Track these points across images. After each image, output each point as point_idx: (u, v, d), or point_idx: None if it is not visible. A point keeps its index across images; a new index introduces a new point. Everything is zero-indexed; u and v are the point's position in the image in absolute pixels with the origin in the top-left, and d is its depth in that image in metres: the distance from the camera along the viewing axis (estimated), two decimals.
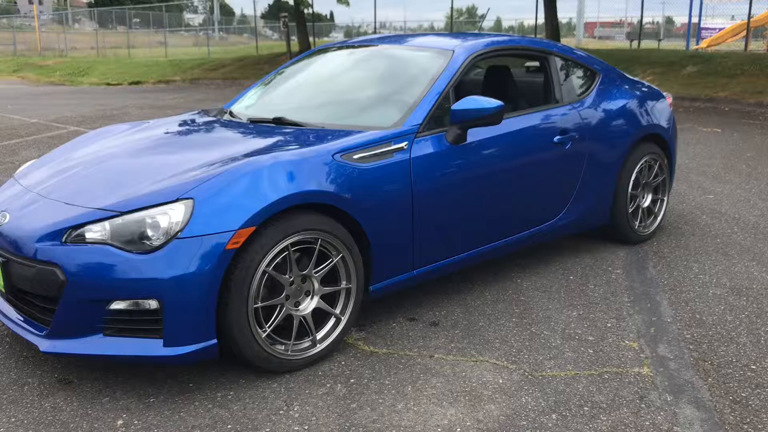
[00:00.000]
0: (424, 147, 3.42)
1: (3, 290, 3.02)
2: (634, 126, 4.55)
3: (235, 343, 2.83)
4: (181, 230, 2.71)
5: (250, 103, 4.31)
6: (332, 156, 3.12)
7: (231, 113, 4.15)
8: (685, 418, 2.64)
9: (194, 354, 2.75)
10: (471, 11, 71.61)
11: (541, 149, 3.99)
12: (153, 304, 2.70)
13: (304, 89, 4.30)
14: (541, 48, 4.39)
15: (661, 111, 4.84)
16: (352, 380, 2.95)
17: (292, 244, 2.91)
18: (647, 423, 2.61)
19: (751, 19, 24.46)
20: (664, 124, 4.82)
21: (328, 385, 2.91)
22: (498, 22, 50.70)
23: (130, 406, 2.76)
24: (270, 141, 3.40)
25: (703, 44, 26.70)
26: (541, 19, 20.07)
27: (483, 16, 26.89)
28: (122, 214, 2.79)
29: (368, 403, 2.77)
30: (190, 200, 2.76)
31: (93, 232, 2.78)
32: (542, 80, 4.34)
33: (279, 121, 3.74)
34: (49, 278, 2.76)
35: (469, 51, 3.88)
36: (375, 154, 3.25)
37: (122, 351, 2.76)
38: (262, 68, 22.17)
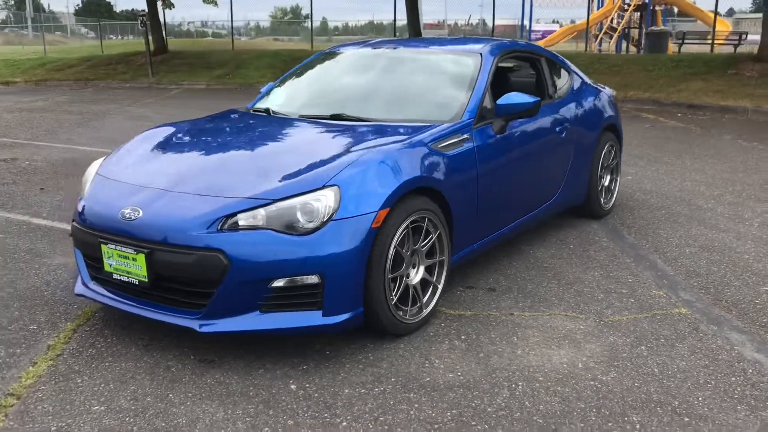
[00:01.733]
0: (481, 137, 3.95)
1: (145, 281, 3.16)
2: (600, 117, 5.37)
3: (374, 312, 3.20)
4: (335, 213, 3.05)
5: (282, 102, 4.61)
6: (427, 146, 3.56)
7: (272, 112, 4.44)
8: (735, 340, 3.39)
9: (347, 321, 3.11)
10: (295, 11, 72.50)
11: (551, 136, 4.66)
12: (314, 278, 3.02)
13: (344, 88, 4.63)
14: (537, 51, 5.07)
15: (612, 104, 5.70)
16: (463, 336, 3.42)
17: (411, 223, 3.34)
18: (714, 346, 3.33)
19: (581, 22, 27.18)
20: (616, 115, 5.69)
21: (447, 342, 3.36)
22: (324, 23, 52.35)
23: (290, 374, 3.05)
24: (362, 135, 3.75)
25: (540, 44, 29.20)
26: (365, 20, 21.05)
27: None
28: (275, 201, 3.07)
29: (492, 352, 3.26)
30: (336, 187, 3.11)
31: (248, 219, 3.04)
32: (534, 78, 5.01)
33: (338, 117, 4.11)
34: (212, 263, 2.98)
35: (493, 53, 4.46)
36: (452, 143, 3.73)
37: (282, 324, 3.05)
38: (115, 68, 21.46)
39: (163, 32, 24.11)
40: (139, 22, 21.71)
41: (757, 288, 4.05)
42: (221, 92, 17.22)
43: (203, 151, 3.78)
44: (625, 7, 28.89)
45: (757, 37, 15.95)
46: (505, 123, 4.11)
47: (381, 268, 3.17)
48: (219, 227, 3.04)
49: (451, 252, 3.72)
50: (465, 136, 3.85)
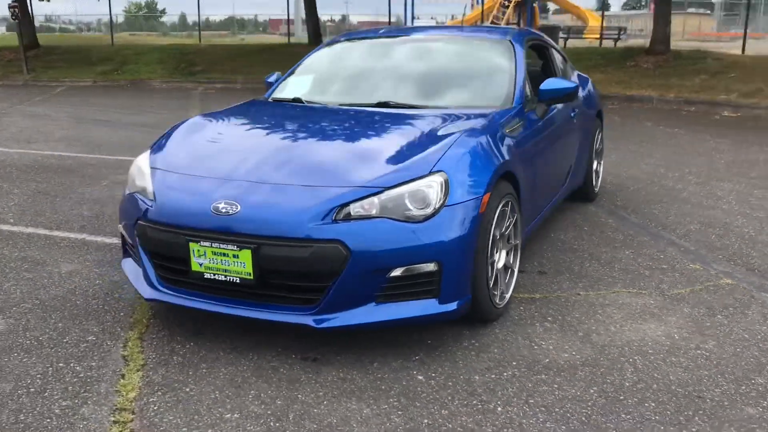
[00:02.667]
0: (529, 121, 4.00)
1: (250, 278, 2.93)
2: (594, 104, 5.60)
3: (476, 298, 3.17)
4: (446, 199, 2.98)
5: (308, 92, 4.42)
6: (503, 130, 3.56)
7: (306, 101, 4.27)
8: None
9: (460, 308, 3.05)
10: (150, 6, 69.82)
11: (570, 121, 4.80)
12: (431, 266, 2.94)
13: (378, 76, 4.47)
14: (546, 41, 5.18)
15: (597, 92, 5.95)
16: (549, 318, 3.46)
17: (501, 207, 3.34)
18: None
19: (464, 18, 27.99)
20: (600, 102, 5.93)
21: (538, 325, 3.39)
22: (182, 17, 51.40)
23: (408, 365, 2.97)
24: (433, 122, 3.68)
25: None
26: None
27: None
28: (386, 189, 2.96)
29: (589, 331, 3.32)
30: (443, 173, 3.04)
31: (362, 208, 2.91)
32: (545, 65, 5.13)
33: (385, 105, 4.03)
34: (332, 255, 2.84)
35: (519, 40, 4.52)
36: (516, 127, 3.75)
37: (400, 314, 2.95)
38: None
39: (34, 25, 22.43)
40: (11, 13, 20.07)
41: None
42: (112, 89, 16.34)
43: (275, 141, 3.59)
44: (506, 3, 30.16)
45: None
46: (547, 107, 4.20)
47: (485, 253, 3.15)
48: (334, 218, 2.90)
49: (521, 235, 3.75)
50: (522, 120, 3.89)
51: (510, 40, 4.48)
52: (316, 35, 19.99)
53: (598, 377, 2.88)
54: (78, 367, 2.94)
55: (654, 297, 3.73)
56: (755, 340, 3.22)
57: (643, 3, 68.27)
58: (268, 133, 3.76)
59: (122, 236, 3.53)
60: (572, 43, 23.89)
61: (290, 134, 3.72)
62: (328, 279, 2.89)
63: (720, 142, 8.75)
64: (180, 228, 3.06)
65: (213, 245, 2.96)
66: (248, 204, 2.99)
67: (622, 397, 2.73)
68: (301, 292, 2.97)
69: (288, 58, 12.40)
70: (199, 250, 2.99)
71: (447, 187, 3.02)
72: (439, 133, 3.43)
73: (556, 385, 2.81)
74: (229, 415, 2.59)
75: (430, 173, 3.05)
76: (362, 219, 2.91)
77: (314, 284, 2.93)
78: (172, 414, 2.60)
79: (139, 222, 3.22)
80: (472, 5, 34.14)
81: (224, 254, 2.95)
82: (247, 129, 3.84)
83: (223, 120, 3.93)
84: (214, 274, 3.00)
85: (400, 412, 2.61)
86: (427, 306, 3.00)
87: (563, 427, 2.53)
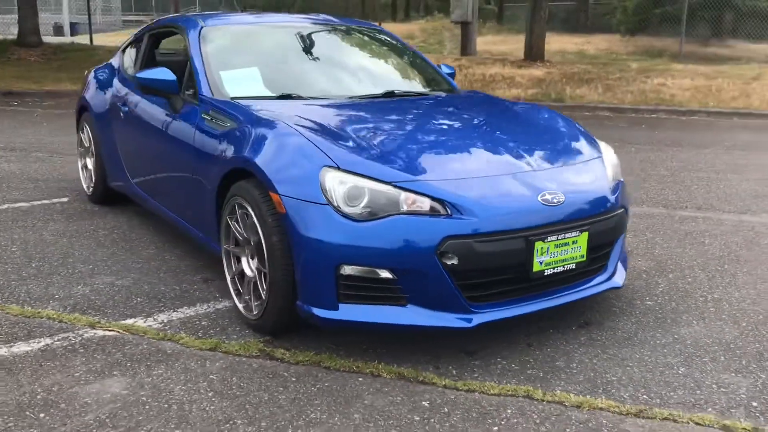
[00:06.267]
0: None
1: (583, 260, 3.00)
2: None
3: None
4: None
5: (261, 89, 3.76)
6: None
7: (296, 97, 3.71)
8: None
9: None
10: None
11: None
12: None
13: (324, 67, 4.19)
14: None
15: None
16: (634, 316, 3.34)
17: None
18: None
19: None
20: None
21: (633, 321, 3.28)
22: None
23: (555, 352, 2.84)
24: (484, 106, 4.02)
25: None
26: None
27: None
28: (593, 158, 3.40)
29: (682, 324, 3.21)
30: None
31: None
32: None
33: (391, 95, 3.95)
34: (622, 219, 3.24)
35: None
36: None
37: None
38: None
39: None
40: None
41: None
42: None
43: (456, 136, 3.42)
44: None
45: None
46: None
47: None
48: (611, 187, 3.24)
49: None
50: None
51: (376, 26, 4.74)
52: None
53: None
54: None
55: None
56: None
57: None
58: (430, 130, 3.48)
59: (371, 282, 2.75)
60: None
61: (444, 129, 3.54)
62: (611, 244, 3.19)
63: None
64: (518, 231, 2.80)
65: (557, 238, 2.87)
66: (564, 189, 3.00)
67: None
68: (599, 261, 3.15)
69: None
70: (542, 248, 2.84)
71: None
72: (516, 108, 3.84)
73: None
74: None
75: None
76: None
77: (606, 250, 3.18)
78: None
79: (449, 242, 2.68)
80: None
81: (565, 244, 2.90)
82: (396, 127, 3.46)
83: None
84: (553, 269, 2.90)
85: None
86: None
87: None
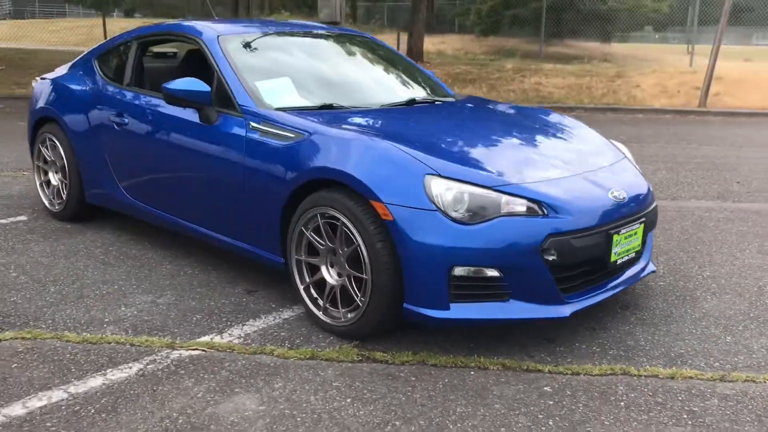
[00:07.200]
0: None
1: (639, 247, 3.39)
2: None
3: None
4: None
5: (294, 98, 3.78)
6: None
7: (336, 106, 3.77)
8: None
9: None
10: None
11: None
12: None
13: (347, 75, 4.36)
14: None
15: None
16: (659, 296, 3.76)
17: None
18: None
19: None
20: None
21: (660, 301, 3.68)
22: None
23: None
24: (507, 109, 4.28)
25: None
26: None
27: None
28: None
29: (701, 300, 3.66)
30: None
31: None
32: None
33: (413, 102, 4.11)
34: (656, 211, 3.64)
35: None
36: None
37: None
38: None
39: None
40: None
41: None
42: None
43: (505, 140, 3.64)
44: None
45: None
46: None
47: None
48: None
49: None
50: None
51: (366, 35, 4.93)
52: None
53: None
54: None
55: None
56: None
57: None
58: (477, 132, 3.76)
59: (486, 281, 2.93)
60: None
61: (495, 134, 3.73)
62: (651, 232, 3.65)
63: None
64: (599, 227, 3.10)
65: (627, 230, 3.22)
66: (622, 186, 3.34)
67: None
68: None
69: None
70: (617, 240, 3.17)
71: None
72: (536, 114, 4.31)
73: None
74: None
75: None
76: None
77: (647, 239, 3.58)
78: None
79: (551, 239, 2.91)
80: None
81: (631, 235, 3.26)
82: (446, 131, 3.68)
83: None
84: (621, 258, 3.26)
85: None
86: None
87: None
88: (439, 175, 2.95)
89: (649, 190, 3.55)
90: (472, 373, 2.91)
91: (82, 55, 5.05)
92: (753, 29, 27.54)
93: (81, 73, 4.79)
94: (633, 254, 3.34)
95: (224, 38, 4.00)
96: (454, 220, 2.87)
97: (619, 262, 3.24)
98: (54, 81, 4.93)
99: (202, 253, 4.27)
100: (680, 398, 2.72)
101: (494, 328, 3.23)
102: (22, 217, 4.99)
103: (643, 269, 3.52)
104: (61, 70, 5.09)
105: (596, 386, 2.81)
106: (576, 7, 20.34)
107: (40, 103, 4.93)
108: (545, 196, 3.01)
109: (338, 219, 3.08)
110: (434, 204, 2.88)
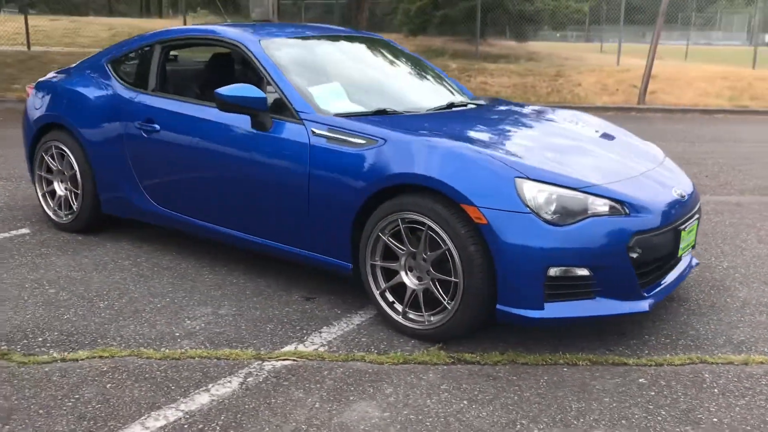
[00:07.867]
0: None
1: (693, 243, 3.59)
2: None
3: None
4: None
5: (347, 103, 3.82)
6: None
7: (390, 112, 3.81)
8: None
9: None
10: None
11: None
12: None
13: (387, 79, 4.43)
14: None
15: None
16: (695, 287, 3.97)
17: None
18: None
19: None
20: None
21: (698, 291, 3.89)
22: None
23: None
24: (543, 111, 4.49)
25: None
26: None
27: None
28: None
29: (734, 289, 3.89)
30: None
31: None
32: None
33: (452, 106, 4.19)
34: None
35: None
36: None
37: None
38: None
39: None
40: None
41: None
42: None
43: (569, 144, 3.70)
44: None
45: None
46: None
47: None
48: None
49: None
50: None
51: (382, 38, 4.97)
52: None
53: None
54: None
55: None
56: None
57: None
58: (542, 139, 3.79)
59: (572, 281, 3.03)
60: None
61: (549, 137, 3.83)
62: None
63: None
64: (673, 222, 3.27)
65: (689, 225, 3.43)
66: (677, 184, 3.54)
67: None
68: None
69: None
70: (683, 235, 3.36)
71: None
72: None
73: None
74: None
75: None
76: None
77: None
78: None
79: (636, 237, 3.06)
80: None
81: (691, 230, 3.47)
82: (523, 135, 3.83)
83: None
84: (684, 252, 3.48)
85: None
86: None
87: None
88: (529, 178, 3.04)
89: (694, 187, 3.75)
90: (565, 369, 3.01)
91: (87, 58, 4.84)
92: (645, 28, 28.94)
93: (93, 77, 4.59)
94: (690, 248, 3.54)
95: (267, 42, 3.94)
96: (546, 221, 2.96)
97: (682, 255, 3.45)
98: (60, 86, 4.70)
99: (235, 261, 4.19)
100: (763, 382, 2.92)
101: (573, 324, 3.35)
102: (25, 230, 4.74)
103: (690, 262, 3.72)
104: (61, 75, 4.86)
105: (684, 375, 2.96)
106: (504, 7, 20.86)
107: (44, 110, 4.69)
108: (626, 196, 3.14)
109: (421, 223, 3.11)
110: (527, 206, 2.97)
